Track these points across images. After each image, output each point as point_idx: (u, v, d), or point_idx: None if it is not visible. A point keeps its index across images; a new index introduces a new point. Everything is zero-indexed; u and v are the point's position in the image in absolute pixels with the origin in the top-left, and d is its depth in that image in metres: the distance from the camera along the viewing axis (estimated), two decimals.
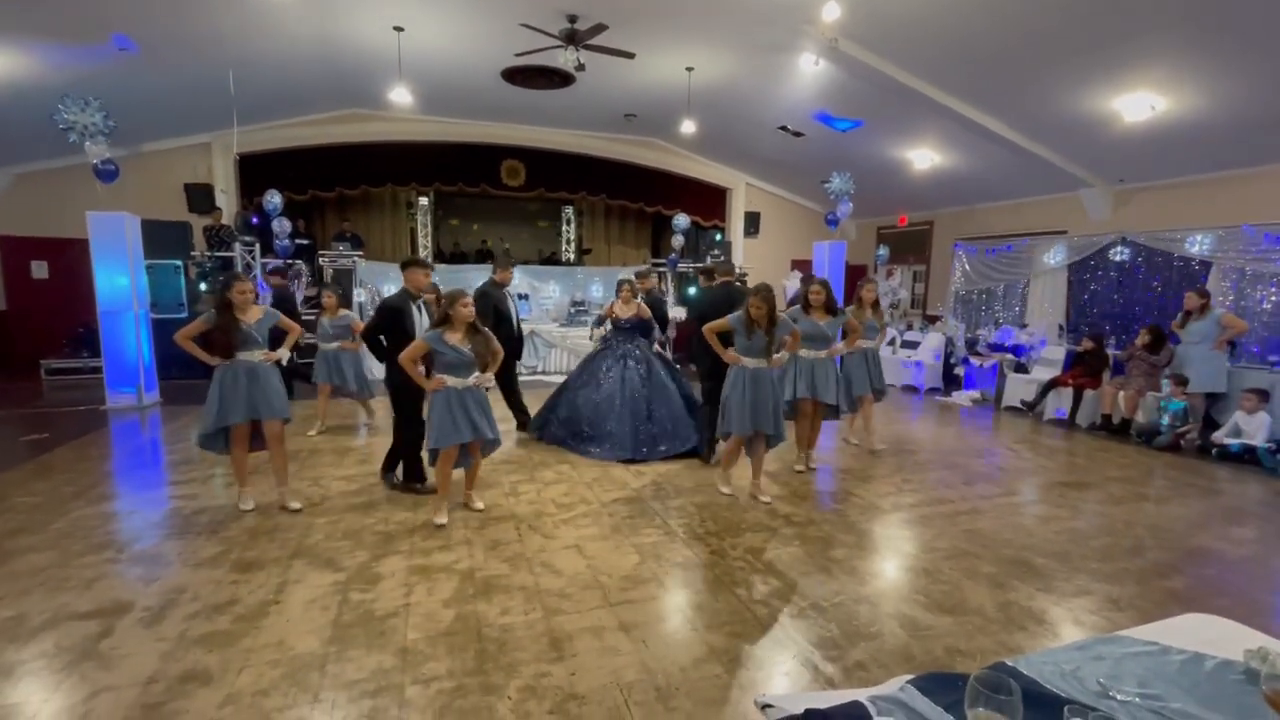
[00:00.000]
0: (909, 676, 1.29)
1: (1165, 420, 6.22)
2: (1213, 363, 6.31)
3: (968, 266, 10.66)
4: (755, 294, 4.22)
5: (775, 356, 4.32)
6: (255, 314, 4.00)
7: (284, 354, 4.14)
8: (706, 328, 4.45)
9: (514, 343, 5.96)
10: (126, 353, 7.17)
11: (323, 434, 6.08)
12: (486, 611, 2.89)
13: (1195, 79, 5.94)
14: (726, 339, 4.38)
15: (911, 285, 12.73)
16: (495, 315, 5.50)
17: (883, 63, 6.94)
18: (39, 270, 9.84)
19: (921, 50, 6.61)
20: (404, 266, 4.51)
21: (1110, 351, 7.66)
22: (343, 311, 6.26)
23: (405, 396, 4.38)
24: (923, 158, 9.48)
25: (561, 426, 5.71)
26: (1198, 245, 7.56)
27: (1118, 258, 8.57)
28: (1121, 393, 6.72)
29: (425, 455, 4.14)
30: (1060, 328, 9.17)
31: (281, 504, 4.10)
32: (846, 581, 3.26)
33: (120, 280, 7.11)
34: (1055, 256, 9.25)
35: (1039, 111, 7.23)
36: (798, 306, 5.16)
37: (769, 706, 1.47)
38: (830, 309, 5.05)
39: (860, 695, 1.24)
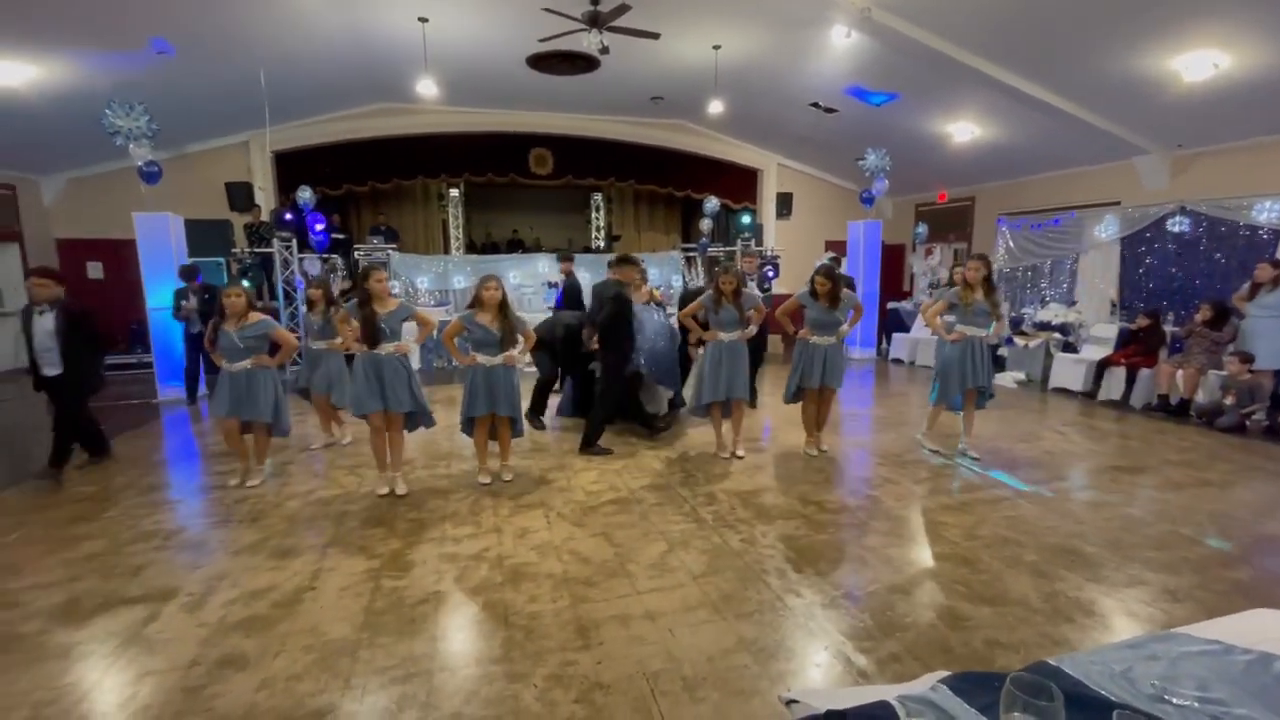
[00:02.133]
0: (942, 674, 1.21)
1: (1228, 400, 5.85)
2: None
3: (1012, 243, 10.21)
4: (725, 271, 4.87)
5: (745, 331, 4.89)
6: (390, 305, 4.15)
7: (412, 345, 4.42)
8: (681, 314, 5.16)
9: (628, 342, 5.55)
10: (174, 349, 7.44)
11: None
12: (514, 599, 2.90)
13: (1261, 33, 5.49)
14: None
15: (952, 264, 12.28)
16: (626, 319, 5.12)
17: (919, 32, 6.63)
18: (94, 270, 10.29)
19: (960, 17, 6.29)
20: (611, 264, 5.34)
21: (1167, 328, 7.25)
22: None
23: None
24: (963, 130, 9.08)
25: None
26: (1266, 213, 7.05)
27: (1176, 229, 8.07)
28: (1180, 371, 6.35)
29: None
30: (1112, 304, 8.72)
31: (391, 489, 4.25)
32: (881, 570, 3.16)
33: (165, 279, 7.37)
34: (1107, 229, 8.77)
35: (1088, 76, 6.82)
36: (805, 291, 4.99)
37: (794, 702, 1.41)
38: (835, 297, 4.83)
39: (889, 694, 1.16)
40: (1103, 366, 7.08)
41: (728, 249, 11.53)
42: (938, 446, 5.19)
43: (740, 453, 5.02)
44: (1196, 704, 1.08)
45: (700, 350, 5.06)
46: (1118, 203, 8.82)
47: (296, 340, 4.61)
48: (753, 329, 5.00)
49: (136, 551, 3.43)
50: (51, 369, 4.59)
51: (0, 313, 9.27)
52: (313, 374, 5.26)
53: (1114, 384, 6.97)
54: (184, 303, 7.06)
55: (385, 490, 4.25)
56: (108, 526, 3.77)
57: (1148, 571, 3.12)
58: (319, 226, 8.91)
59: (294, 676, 2.35)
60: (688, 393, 5.54)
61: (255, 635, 2.62)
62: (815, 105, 9.29)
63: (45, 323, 4.54)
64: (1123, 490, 4.30)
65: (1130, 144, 8.03)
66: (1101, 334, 7.87)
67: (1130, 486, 4.38)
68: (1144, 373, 6.73)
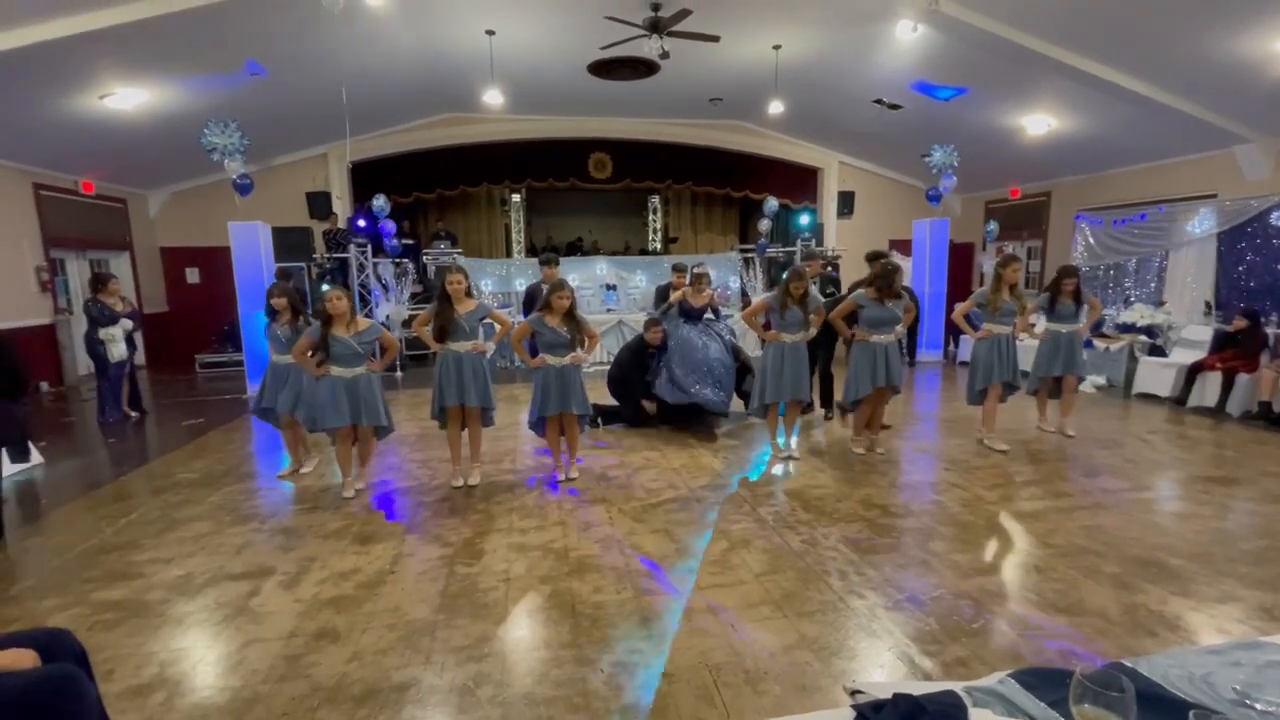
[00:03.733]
0: (1010, 670, 1.23)
1: None
2: None
3: (1092, 240, 9.66)
4: (798, 276, 4.84)
5: (806, 333, 4.89)
6: (468, 305, 4.37)
7: (490, 346, 4.65)
8: (745, 312, 5.44)
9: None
10: (262, 347, 8.01)
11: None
12: (580, 588, 3.02)
13: None
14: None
15: (1026, 262, 11.73)
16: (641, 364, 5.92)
17: (990, 22, 6.41)
18: (192, 276, 11.20)
19: (1034, 4, 6.04)
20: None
21: (1270, 331, 6.71)
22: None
23: None
24: (1037, 123, 8.68)
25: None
26: None
27: None
28: None
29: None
30: (1207, 305, 8.13)
31: (465, 481, 4.48)
32: (947, 575, 3.10)
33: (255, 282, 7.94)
34: (1202, 224, 8.18)
35: (1178, 60, 6.40)
36: (861, 291, 4.95)
37: (858, 693, 1.45)
38: (896, 293, 4.88)
39: (956, 685, 1.19)
40: (1194, 371, 6.62)
41: (787, 249, 11.40)
42: (1003, 446, 5.14)
43: (796, 454, 5.03)
44: None
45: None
46: (1214, 195, 8.22)
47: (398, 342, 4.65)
48: (813, 331, 4.99)
49: (237, 533, 3.76)
50: None
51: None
52: (279, 392, 4.61)
53: (1208, 390, 6.51)
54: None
55: (459, 482, 4.47)
56: (211, 510, 4.14)
57: (1241, 588, 2.94)
58: (391, 236, 9.36)
59: (380, 651, 2.54)
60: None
61: (345, 613, 2.84)
62: (879, 102, 9.08)
63: None
64: (1215, 502, 4.04)
65: (1229, 132, 7.49)
66: (1193, 336, 7.36)
67: (1224, 498, 4.11)
68: (1242, 378, 6.26)
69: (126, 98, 7.27)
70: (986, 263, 11.83)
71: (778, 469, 4.79)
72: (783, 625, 2.68)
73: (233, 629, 2.72)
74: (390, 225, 9.34)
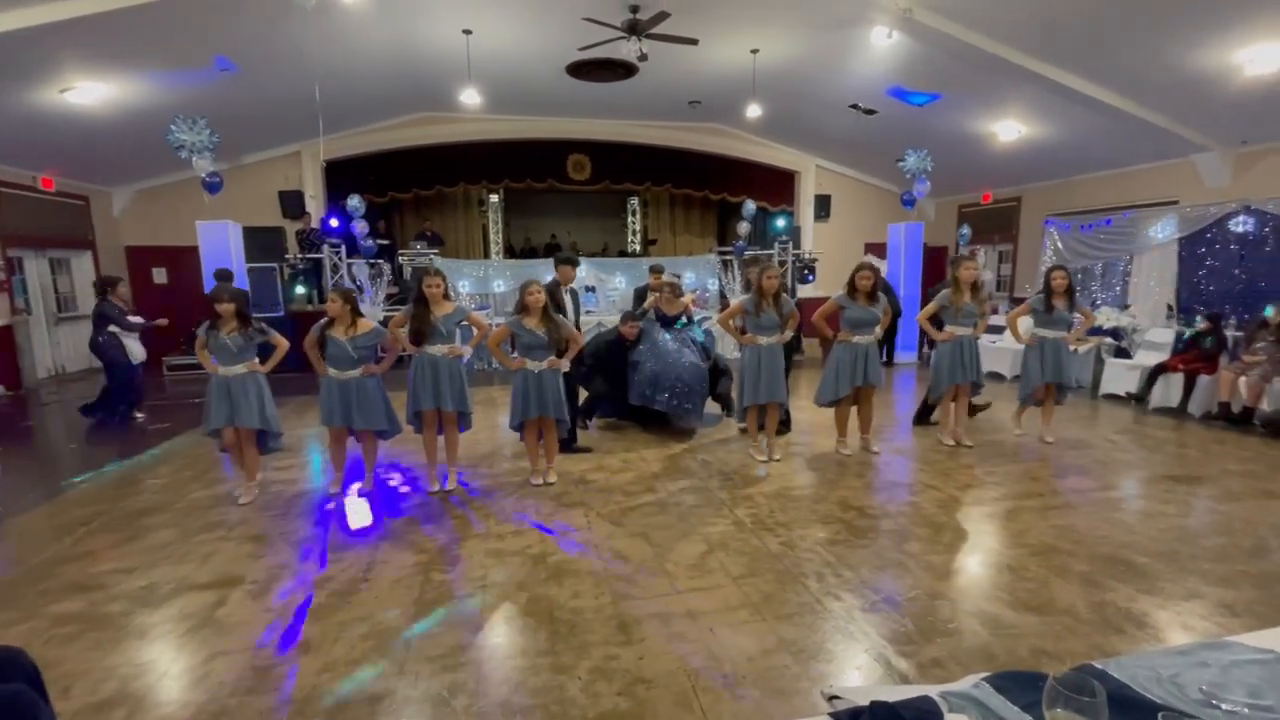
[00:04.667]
0: (984, 674, 1.24)
1: None
2: None
3: (1060, 244, 9.90)
4: (768, 267, 4.88)
5: (782, 335, 4.88)
6: (446, 308, 4.28)
7: (467, 350, 4.52)
8: (720, 316, 5.13)
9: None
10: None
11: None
12: (558, 594, 2.99)
13: None
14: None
15: (997, 266, 11.97)
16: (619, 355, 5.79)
17: (962, 30, 6.53)
18: (159, 276, 10.88)
19: (1006, 14, 6.17)
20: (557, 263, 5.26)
21: (1229, 333, 6.93)
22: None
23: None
24: (1008, 129, 8.87)
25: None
26: None
27: (1239, 229, 7.71)
28: (1243, 378, 6.08)
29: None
30: (1169, 308, 8.38)
31: (440, 486, 4.42)
32: (923, 576, 3.14)
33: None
34: (1164, 230, 8.43)
35: (1144, 71, 6.59)
36: (843, 293, 5.03)
37: (836, 698, 1.45)
38: (874, 294, 4.98)
39: (931, 690, 1.20)
40: (1157, 372, 6.82)
41: (765, 252, 11.48)
42: (957, 441, 5.34)
43: (778, 456, 5.05)
44: (1246, 710, 1.08)
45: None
46: (1175, 202, 8.48)
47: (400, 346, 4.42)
48: (789, 333, 5.02)
49: (205, 541, 3.65)
50: None
51: (75, 316, 9.87)
52: (226, 409, 4.16)
53: (1171, 391, 6.71)
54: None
55: (435, 487, 4.40)
56: (178, 517, 4.02)
57: (1204, 585, 3.03)
58: (364, 235, 9.20)
59: (353, 661, 2.48)
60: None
61: (316, 622, 2.77)
62: (855, 107, 9.20)
63: None
64: (1178, 500, 4.16)
65: (1190, 141, 7.74)
66: (1157, 339, 7.58)
67: (1186, 497, 4.23)
68: (1203, 379, 6.46)
69: (88, 92, 7.05)
70: None
71: (756, 471, 4.81)
72: (761, 628, 2.69)
73: (198, 641, 2.64)
74: (358, 226, 9.16)
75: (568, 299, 5.22)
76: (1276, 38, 5.57)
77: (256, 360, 4.25)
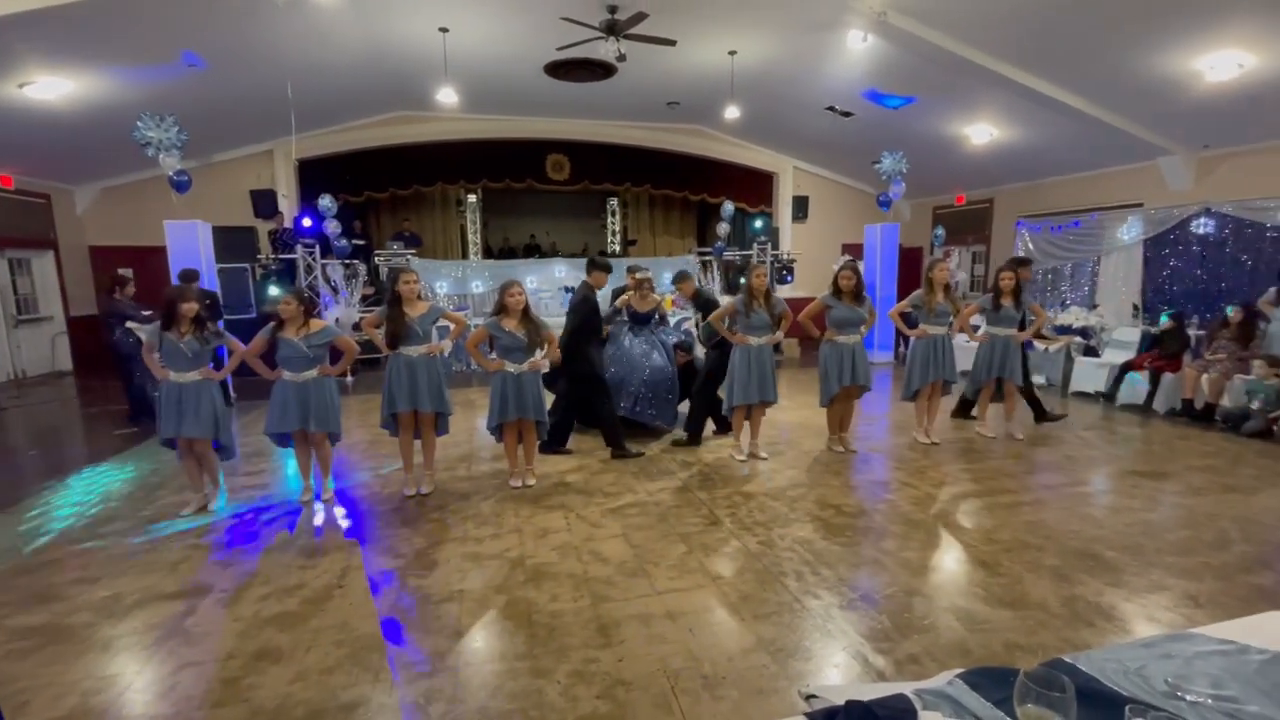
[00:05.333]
0: (958, 670, 1.25)
1: (1254, 404, 5.76)
2: None
3: (1031, 245, 10.12)
4: (758, 265, 5.08)
5: (775, 335, 4.93)
6: (420, 308, 4.20)
7: (446, 345, 4.45)
8: (713, 315, 5.03)
9: None
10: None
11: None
12: (536, 598, 2.96)
13: None
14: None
15: (971, 266, 12.19)
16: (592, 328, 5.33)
17: (936, 34, 6.63)
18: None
19: (977, 19, 6.29)
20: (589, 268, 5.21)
21: (1191, 332, 7.14)
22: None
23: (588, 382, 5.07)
24: (981, 132, 9.04)
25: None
26: None
27: (1201, 230, 7.96)
28: (1205, 375, 6.26)
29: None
30: (1135, 307, 8.61)
31: (417, 489, 4.34)
32: (899, 573, 3.18)
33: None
34: (1130, 231, 8.67)
35: (1109, 77, 6.77)
36: (828, 293, 5.10)
37: (813, 697, 1.46)
38: (859, 294, 5.06)
39: (905, 688, 1.21)
40: (1124, 370, 7.00)
41: (744, 253, 11.55)
42: (934, 439, 5.46)
43: (763, 454, 5.08)
44: (1209, 700, 1.11)
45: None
46: (1140, 204, 8.71)
47: (357, 345, 4.39)
48: (780, 334, 5.05)
49: (173, 549, 3.55)
50: None
51: (36, 318, 9.56)
52: (176, 417, 3.95)
53: (1136, 388, 6.89)
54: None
55: (412, 491, 4.34)
56: (145, 525, 3.90)
57: (1169, 577, 3.11)
58: (337, 235, 9.03)
59: (326, 670, 2.43)
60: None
61: (288, 630, 2.71)
62: (831, 109, 9.30)
63: None
64: (1144, 495, 4.27)
65: (1154, 145, 7.95)
66: (1123, 338, 7.78)
67: (1152, 491, 4.34)
68: (1167, 377, 6.64)
69: (49, 86, 6.83)
70: None
71: (736, 471, 4.83)
72: (740, 628, 2.69)
73: (164, 652, 2.56)
74: (329, 226, 9.00)
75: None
76: (1235, 45, 5.75)
77: (211, 367, 4.06)
